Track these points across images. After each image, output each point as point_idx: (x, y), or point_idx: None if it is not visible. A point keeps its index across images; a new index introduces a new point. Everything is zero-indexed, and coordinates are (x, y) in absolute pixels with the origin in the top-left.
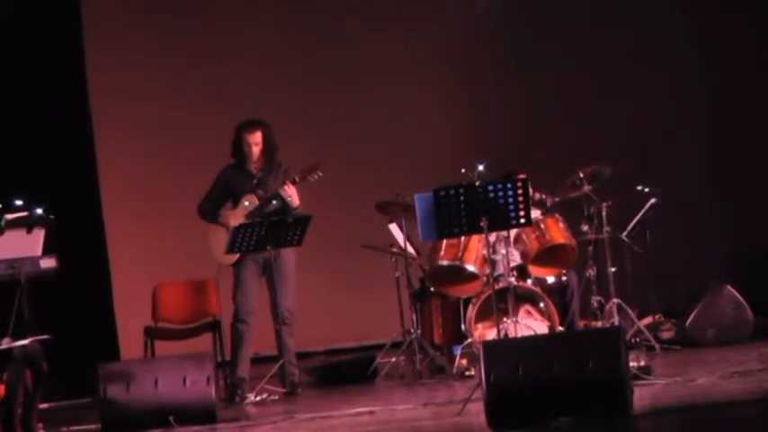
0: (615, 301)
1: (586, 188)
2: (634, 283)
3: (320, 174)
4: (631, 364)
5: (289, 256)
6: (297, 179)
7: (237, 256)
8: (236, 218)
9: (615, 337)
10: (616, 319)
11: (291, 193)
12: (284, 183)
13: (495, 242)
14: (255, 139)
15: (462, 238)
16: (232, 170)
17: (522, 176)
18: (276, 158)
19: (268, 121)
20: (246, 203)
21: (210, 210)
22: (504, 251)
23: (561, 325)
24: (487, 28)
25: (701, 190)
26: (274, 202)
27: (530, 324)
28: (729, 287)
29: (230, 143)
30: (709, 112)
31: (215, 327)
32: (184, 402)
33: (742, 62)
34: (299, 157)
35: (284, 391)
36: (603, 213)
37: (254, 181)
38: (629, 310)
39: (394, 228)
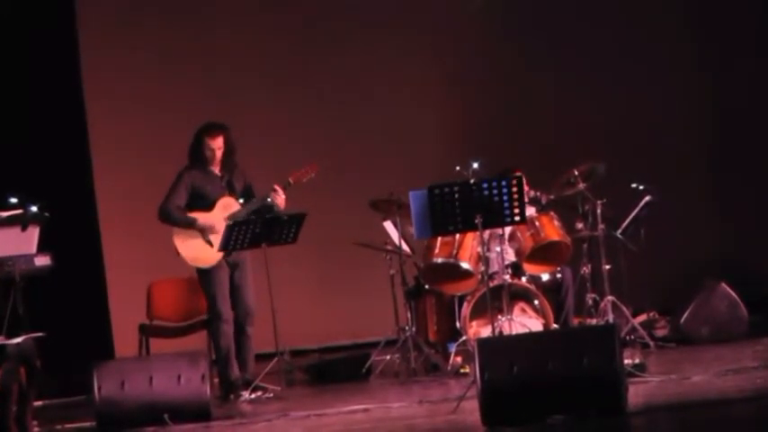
0: (610, 298)
1: (581, 186)
2: (629, 280)
3: (312, 176)
4: (626, 361)
5: (249, 257)
6: (291, 182)
7: (218, 258)
8: (211, 220)
9: (610, 334)
10: (611, 317)
11: (281, 201)
12: (273, 188)
13: (489, 240)
14: (218, 144)
15: (457, 235)
16: (197, 173)
17: (516, 174)
18: (235, 160)
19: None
20: (226, 204)
21: (179, 213)
22: (498, 248)
23: (556, 322)
24: (481, 26)
25: (695, 187)
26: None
27: (524, 322)
28: (724, 285)
29: (189, 146)
30: (706, 109)
31: (209, 325)
32: (179, 400)
33: (740, 60)
34: (295, 155)
35: (278, 388)
36: (598, 211)
37: (223, 184)
38: (624, 308)
39: (388, 225)
